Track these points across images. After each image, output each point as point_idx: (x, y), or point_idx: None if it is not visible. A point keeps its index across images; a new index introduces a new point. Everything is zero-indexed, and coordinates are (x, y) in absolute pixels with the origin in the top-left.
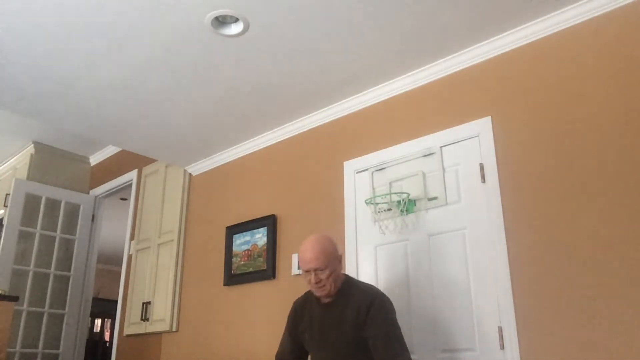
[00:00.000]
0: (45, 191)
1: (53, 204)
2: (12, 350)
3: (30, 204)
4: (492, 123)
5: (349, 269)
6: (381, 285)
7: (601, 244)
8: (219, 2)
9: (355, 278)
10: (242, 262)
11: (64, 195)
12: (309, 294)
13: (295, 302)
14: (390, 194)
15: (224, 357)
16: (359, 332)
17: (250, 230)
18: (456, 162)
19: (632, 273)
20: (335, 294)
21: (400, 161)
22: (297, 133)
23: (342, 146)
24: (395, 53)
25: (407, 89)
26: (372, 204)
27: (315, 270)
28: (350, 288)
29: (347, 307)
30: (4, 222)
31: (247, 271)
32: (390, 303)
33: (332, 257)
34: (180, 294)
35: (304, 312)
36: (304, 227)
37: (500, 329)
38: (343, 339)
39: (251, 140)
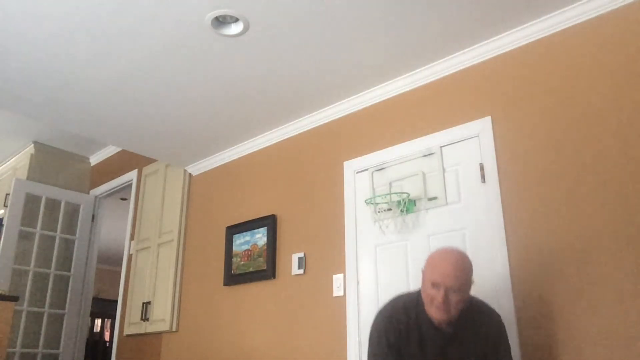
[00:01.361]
0: (45, 191)
1: (53, 204)
2: (12, 350)
3: (30, 204)
4: (492, 123)
5: (349, 269)
6: (381, 285)
7: (601, 244)
8: (219, 2)
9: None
10: (242, 262)
11: (64, 195)
12: (410, 309)
13: (391, 317)
14: (390, 194)
15: (224, 357)
16: None
17: (250, 230)
18: (456, 162)
19: (633, 272)
20: (456, 319)
21: (400, 161)
22: (297, 133)
23: (342, 146)
24: (395, 53)
25: (407, 89)
26: (372, 204)
27: (449, 289)
28: (471, 311)
29: (473, 339)
30: (4, 222)
31: (247, 271)
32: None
33: (469, 279)
34: (180, 294)
35: (409, 335)
36: (304, 227)
37: None
38: None
39: (251, 140)
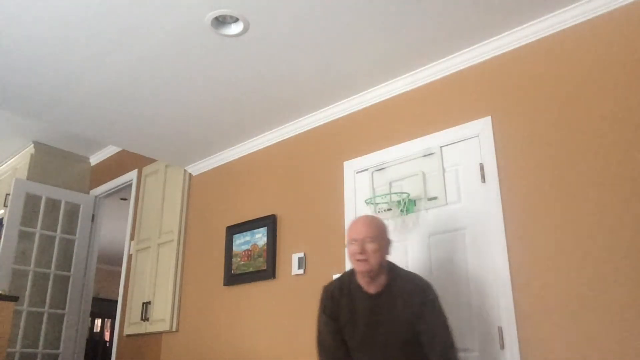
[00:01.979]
0: (45, 191)
1: (53, 204)
2: (12, 350)
3: (30, 204)
4: (492, 123)
5: (349, 269)
6: None
7: (601, 244)
8: (219, 2)
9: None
10: (242, 262)
11: (64, 195)
12: (344, 279)
13: (327, 287)
14: (390, 194)
15: (224, 357)
16: (413, 327)
17: (250, 230)
18: (456, 162)
19: (633, 272)
20: (383, 284)
21: (400, 161)
22: (297, 133)
23: (342, 146)
24: (395, 53)
25: (407, 89)
26: (372, 204)
27: (364, 239)
28: (397, 277)
29: (398, 300)
30: (4, 222)
31: (247, 271)
32: (436, 292)
33: (383, 233)
34: (180, 294)
35: (341, 301)
36: (304, 227)
37: (500, 329)
38: (395, 339)
39: (251, 140)
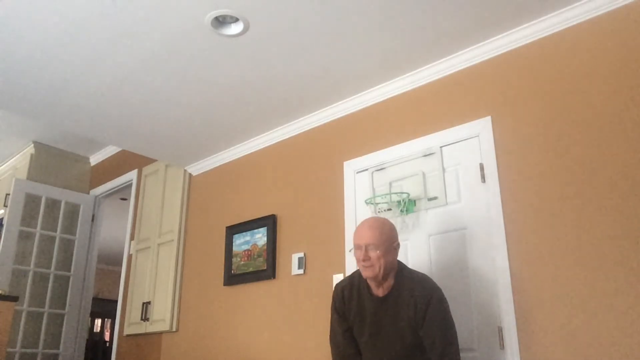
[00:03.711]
0: (45, 191)
1: (53, 204)
2: (12, 350)
3: (30, 204)
4: (492, 123)
5: (349, 269)
6: None
7: (601, 243)
8: (219, 2)
9: (407, 266)
10: (242, 262)
11: (64, 195)
12: (354, 278)
13: (338, 285)
14: (390, 194)
15: (223, 357)
16: (415, 332)
17: (250, 230)
18: (456, 162)
19: (633, 272)
20: (389, 288)
21: (400, 161)
22: (297, 133)
23: (342, 146)
24: (395, 53)
25: (407, 89)
26: (372, 204)
27: (367, 245)
28: (404, 280)
29: (402, 304)
30: (4, 222)
31: (247, 271)
32: (445, 298)
33: (388, 239)
34: (180, 294)
35: (351, 298)
36: (304, 227)
37: (500, 329)
38: (400, 342)
39: (251, 140)
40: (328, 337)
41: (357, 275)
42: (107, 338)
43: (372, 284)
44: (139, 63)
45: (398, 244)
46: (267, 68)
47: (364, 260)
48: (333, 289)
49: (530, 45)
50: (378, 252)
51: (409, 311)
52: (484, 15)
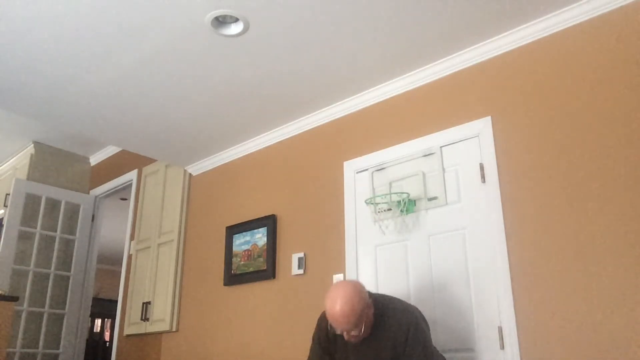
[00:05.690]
0: (45, 191)
1: (53, 204)
2: (12, 350)
3: (30, 204)
4: (492, 123)
5: (349, 269)
6: (381, 285)
7: (601, 244)
8: (219, 2)
9: (384, 295)
10: (242, 262)
11: (64, 195)
12: None
13: (322, 320)
14: (390, 194)
15: (224, 357)
16: (397, 356)
17: (250, 230)
18: (456, 162)
19: (634, 272)
20: (370, 328)
21: (400, 161)
22: (297, 133)
23: (342, 146)
24: (395, 53)
25: (407, 89)
26: (372, 204)
27: (347, 330)
28: (383, 315)
29: (383, 336)
30: (4, 222)
31: (247, 271)
32: (427, 325)
33: (363, 313)
34: (180, 294)
35: (336, 338)
36: (304, 227)
37: (500, 329)
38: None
39: (251, 140)
40: None
41: None
42: (107, 338)
43: None
44: (139, 63)
45: (370, 302)
46: (267, 68)
47: (347, 339)
48: (319, 318)
49: (530, 46)
50: (357, 330)
51: (390, 342)
52: (483, 15)
